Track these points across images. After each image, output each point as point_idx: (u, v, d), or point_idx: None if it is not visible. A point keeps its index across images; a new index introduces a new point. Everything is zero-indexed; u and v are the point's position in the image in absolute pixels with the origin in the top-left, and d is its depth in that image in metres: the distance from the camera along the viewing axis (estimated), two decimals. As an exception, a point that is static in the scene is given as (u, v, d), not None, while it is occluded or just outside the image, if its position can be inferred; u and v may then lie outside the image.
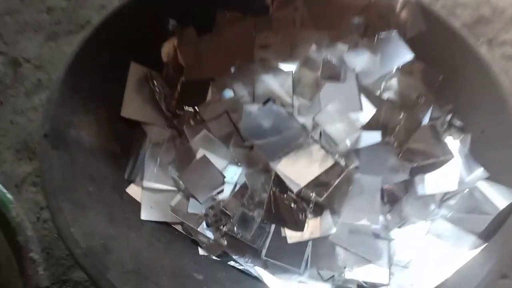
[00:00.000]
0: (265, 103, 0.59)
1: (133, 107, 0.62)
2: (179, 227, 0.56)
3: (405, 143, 0.58)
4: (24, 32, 0.83)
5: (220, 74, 0.66)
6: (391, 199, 0.55)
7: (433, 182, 0.55)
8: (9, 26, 0.84)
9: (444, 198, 0.55)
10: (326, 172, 0.55)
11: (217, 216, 0.56)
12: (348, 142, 0.57)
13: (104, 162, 0.56)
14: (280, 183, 0.56)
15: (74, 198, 0.49)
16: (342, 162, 0.56)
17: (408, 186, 0.56)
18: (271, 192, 0.56)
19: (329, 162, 0.56)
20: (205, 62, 0.68)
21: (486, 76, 0.57)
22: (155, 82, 0.65)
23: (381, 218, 0.54)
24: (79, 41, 0.59)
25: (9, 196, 0.49)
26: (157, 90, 0.65)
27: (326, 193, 0.55)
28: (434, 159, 0.57)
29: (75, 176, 0.51)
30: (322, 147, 0.56)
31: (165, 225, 0.56)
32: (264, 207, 0.55)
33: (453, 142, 0.59)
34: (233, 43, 0.69)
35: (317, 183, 0.55)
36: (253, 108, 0.60)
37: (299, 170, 0.56)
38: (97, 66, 0.61)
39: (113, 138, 0.59)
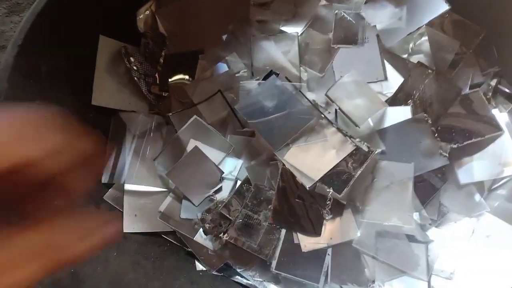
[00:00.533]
0: (266, 77, 0.48)
1: (106, 92, 0.51)
2: (171, 238, 0.47)
3: (442, 118, 0.47)
4: (-20, 5, 0.71)
5: (210, 44, 0.54)
6: (427, 192, 0.45)
7: (479, 167, 0.45)
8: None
9: (492, 186, 0.45)
10: (345, 161, 0.44)
11: (216, 221, 0.46)
12: (370, 122, 0.47)
13: (74, 165, 0.46)
14: (289, 178, 0.46)
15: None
16: (365, 147, 0.45)
17: (446, 173, 0.45)
18: (279, 188, 0.45)
19: (348, 148, 0.45)
20: (191, 30, 0.56)
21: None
22: (131, 58, 0.54)
23: (415, 216, 0.44)
24: (30, 12, 0.47)
25: None
26: (135, 68, 0.54)
27: (346, 188, 0.44)
28: (479, 137, 0.46)
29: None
30: (339, 129, 0.45)
31: (154, 237, 0.46)
32: (271, 207, 0.45)
33: (500, 115, 0.47)
34: (224, 2, 0.56)
35: (335, 176, 0.44)
36: (252, 84, 0.49)
37: (311, 160, 0.45)
38: (56, 43, 0.50)
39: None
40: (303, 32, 0.52)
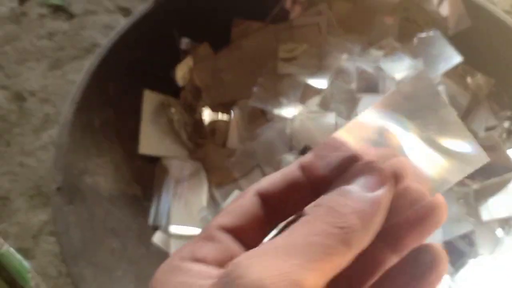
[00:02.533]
0: (302, 151, 0.52)
1: (151, 141, 0.56)
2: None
3: (462, 160, 0.51)
4: (26, 62, 0.77)
5: (242, 96, 0.59)
6: (456, 257, 0.47)
7: (499, 204, 0.48)
8: (9, 56, 0.78)
9: (513, 222, 0.48)
10: None
11: None
12: None
13: (125, 210, 0.50)
14: None
15: (96, 260, 0.43)
16: None
17: (473, 238, 0.48)
18: None
19: None
20: (224, 83, 0.62)
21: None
22: (172, 109, 0.59)
23: (446, 278, 0.46)
24: (84, 73, 0.53)
25: (25, 264, 0.43)
26: (175, 119, 0.59)
27: None
28: (497, 176, 0.50)
29: (96, 233, 0.45)
30: None
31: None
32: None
33: (516, 155, 0.51)
34: (254, 58, 0.62)
35: None
36: (291, 157, 0.52)
37: None
38: (107, 99, 0.55)
39: (133, 180, 0.54)
40: (328, 83, 0.57)
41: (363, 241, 0.15)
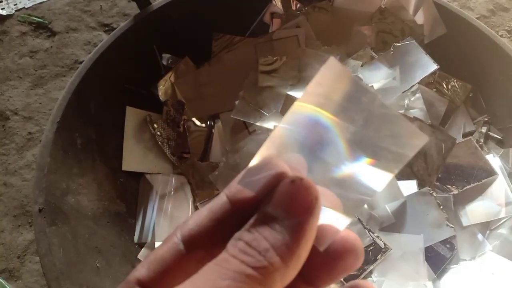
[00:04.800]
0: None
1: (134, 157, 0.56)
2: None
3: (441, 167, 0.52)
4: (8, 81, 0.77)
5: (223, 109, 0.60)
6: (438, 262, 0.47)
7: (479, 209, 0.49)
8: (-9, 75, 0.78)
9: (493, 227, 0.49)
10: None
11: None
12: (388, 209, 0.50)
13: (109, 228, 0.50)
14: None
15: (80, 280, 0.43)
16: (381, 244, 0.48)
17: (454, 243, 0.48)
18: None
19: (366, 241, 0.48)
20: (206, 97, 0.62)
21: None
22: (155, 125, 0.59)
23: (429, 285, 0.46)
24: (65, 92, 0.53)
25: (8, 287, 0.43)
26: (158, 134, 0.59)
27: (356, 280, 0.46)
28: (477, 181, 0.50)
29: (80, 253, 0.45)
30: (360, 221, 0.49)
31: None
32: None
33: (493, 159, 0.52)
34: (235, 71, 0.63)
35: None
36: None
37: None
38: (88, 117, 0.55)
39: (117, 197, 0.54)
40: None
41: (285, 280, 0.13)
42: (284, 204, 0.13)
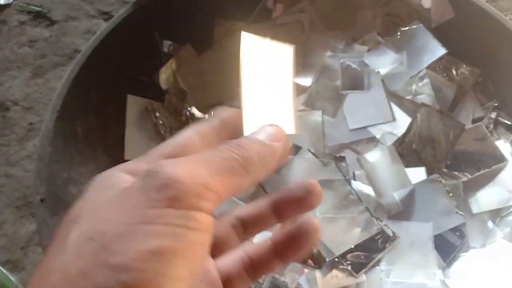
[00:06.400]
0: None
1: (137, 146, 0.55)
2: None
3: (450, 153, 0.50)
4: (7, 71, 0.76)
5: (226, 97, 0.59)
6: (447, 250, 0.47)
7: (489, 196, 0.48)
8: (-10, 65, 0.77)
9: (503, 214, 0.48)
10: (368, 241, 0.47)
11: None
12: (396, 196, 0.49)
13: (112, 218, 0.50)
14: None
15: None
16: (389, 232, 0.47)
17: (464, 231, 0.48)
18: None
19: (374, 230, 0.47)
20: (209, 85, 0.61)
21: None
22: (157, 113, 0.58)
23: (438, 272, 0.45)
24: (64, 81, 0.52)
25: (12, 278, 0.42)
26: (161, 122, 0.58)
27: (364, 269, 0.46)
28: (486, 168, 0.49)
29: (82, 244, 0.44)
30: (367, 209, 0.48)
31: None
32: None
33: (504, 145, 0.51)
34: (238, 58, 0.61)
35: (355, 255, 0.46)
36: None
37: (335, 234, 0.47)
38: (89, 106, 0.55)
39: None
40: (313, 81, 0.57)
41: (258, 174, 0.19)
42: (266, 132, 0.21)
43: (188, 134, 0.21)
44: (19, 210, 0.63)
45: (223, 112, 0.22)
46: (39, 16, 0.82)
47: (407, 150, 0.51)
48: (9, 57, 0.78)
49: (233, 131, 0.21)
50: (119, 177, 0.19)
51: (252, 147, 0.19)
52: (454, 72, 0.56)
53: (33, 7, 0.82)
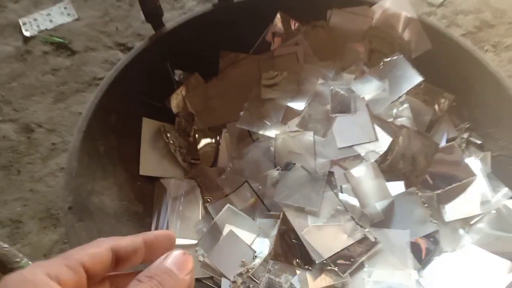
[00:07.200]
0: (285, 168, 0.58)
1: (150, 163, 0.62)
2: (210, 282, 0.56)
3: (426, 170, 0.57)
4: (32, 96, 0.84)
5: (229, 120, 0.66)
6: (422, 253, 0.53)
7: (460, 206, 0.55)
8: (16, 91, 0.85)
9: (472, 222, 0.54)
10: (353, 246, 0.53)
11: (246, 283, 0.54)
12: (378, 207, 0.55)
13: (129, 225, 0.56)
14: (303, 252, 0.54)
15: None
16: (372, 238, 0.53)
17: (437, 237, 0.54)
18: (295, 262, 0.54)
19: (358, 236, 0.53)
20: (215, 109, 0.68)
21: (500, 90, 0.57)
22: (168, 134, 0.65)
23: (414, 274, 0.51)
24: (89, 105, 0.59)
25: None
26: (171, 142, 0.65)
27: (349, 270, 0.52)
28: (458, 182, 0.56)
29: (103, 246, 0.51)
30: (352, 218, 0.54)
31: (197, 282, 0.55)
32: (273, 247, 0.54)
33: (474, 162, 0.58)
34: (240, 85, 0.69)
35: (341, 258, 0.52)
36: (275, 173, 0.59)
37: (324, 239, 0.53)
38: (110, 127, 0.61)
39: (135, 198, 0.60)
40: (306, 105, 0.64)
41: None
42: (178, 264, 0.23)
43: (104, 249, 0.23)
44: (42, 222, 0.70)
45: (145, 234, 0.25)
46: (61, 47, 0.90)
47: (389, 166, 0.58)
48: (33, 84, 0.86)
49: (151, 251, 0.25)
50: (39, 283, 0.19)
51: (172, 285, 0.22)
52: (431, 97, 0.63)
53: (55, 39, 0.91)
